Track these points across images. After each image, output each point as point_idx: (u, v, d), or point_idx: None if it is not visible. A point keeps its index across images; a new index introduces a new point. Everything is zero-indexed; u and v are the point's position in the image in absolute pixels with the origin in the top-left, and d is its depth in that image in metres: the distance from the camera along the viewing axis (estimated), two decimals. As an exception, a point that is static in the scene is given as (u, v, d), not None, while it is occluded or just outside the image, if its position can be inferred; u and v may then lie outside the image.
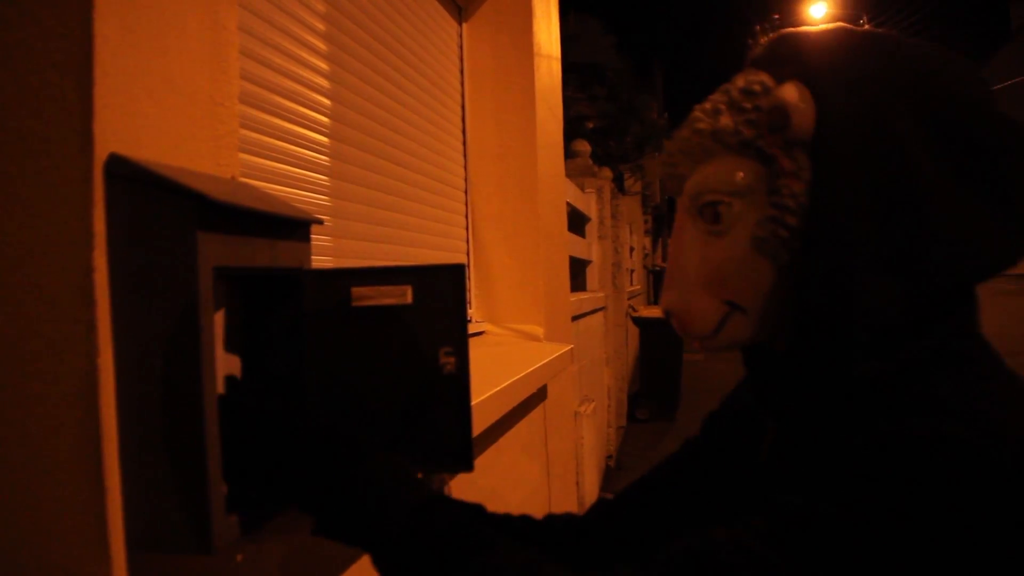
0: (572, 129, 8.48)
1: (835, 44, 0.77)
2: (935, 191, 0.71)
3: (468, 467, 0.89)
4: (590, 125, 10.33)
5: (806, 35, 0.79)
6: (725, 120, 0.78)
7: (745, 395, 0.94)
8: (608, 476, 5.98)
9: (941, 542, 0.60)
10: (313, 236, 0.94)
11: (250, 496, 0.77)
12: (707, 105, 0.81)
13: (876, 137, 0.71)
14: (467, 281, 2.72)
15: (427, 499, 0.75)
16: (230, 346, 0.85)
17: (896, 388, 0.69)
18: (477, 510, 0.88)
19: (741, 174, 0.77)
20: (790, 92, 0.75)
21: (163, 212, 0.72)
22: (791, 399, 0.78)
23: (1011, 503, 0.61)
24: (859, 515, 0.62)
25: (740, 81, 0.80)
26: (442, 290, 0.89)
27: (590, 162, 6.56)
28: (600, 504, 1.03)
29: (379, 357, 0.89)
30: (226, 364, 0.84)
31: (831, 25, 0.80)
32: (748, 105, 0.78)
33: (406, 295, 0.89)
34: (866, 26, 0.81)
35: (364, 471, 0.75)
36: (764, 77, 0.79)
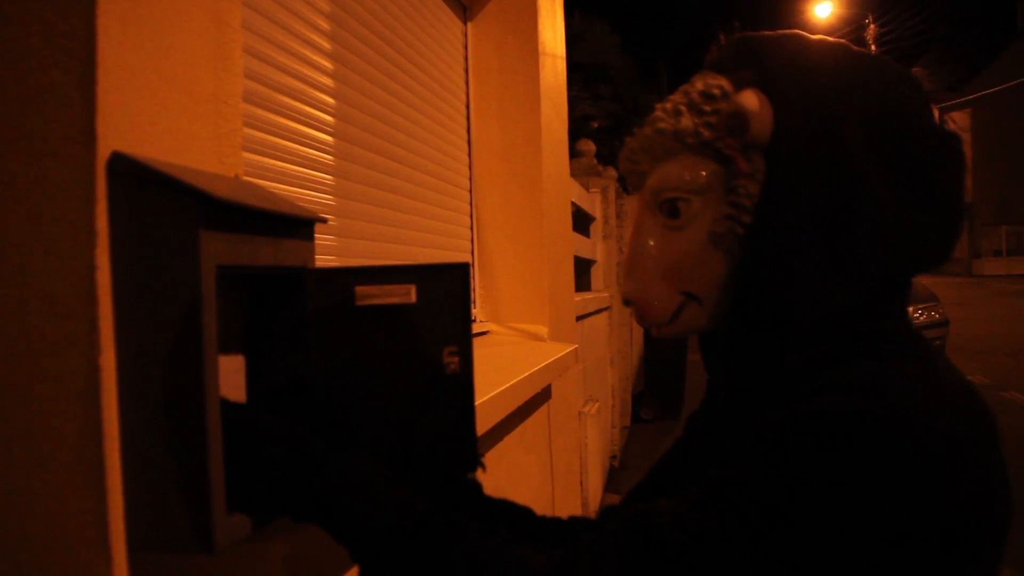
0: (577, 128, 8.47)
1: (791, 52, 0.81)
2: (875, 193, 0.76)
3: (473, 467, 0.89)
4: (595, 124, 10.33)
5: (763, 41, 0.83)
6: (686, 121, 0.82)
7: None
8: (612, 476, 5.97)
9: (837, 509, 0.66)
10: (317, 235, 0.94)
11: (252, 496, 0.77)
12: (668, 105, 0.84)
13: (826, 143, 0.76)
14: (471, 280, 2.72)
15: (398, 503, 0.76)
16: (233, 345, 0.85)
17: (816, 373, 0.75)
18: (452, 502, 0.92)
19: (701, 173, 0.81)
20: (750, 99, 0.78)
21: (166, 210, 0.71)
22: (735, 380, 0.85)
23: (901, 471, 0.66)
24: (762, 482, 0.68)
25: (700, 84, 0.83)
26: (446, 289, 0.89)
27: (595, 162, 6.55)
28: (607, 510, 1.04)
29: (383, 356, 0.89)
30: (228, 363, 0.84)
31: (787, 32, 0.84)
32: (708, 108, 0.81)
33: (410, 294, 0.88)
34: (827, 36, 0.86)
35: (323, 479, 0.75)
36: (723, 81, 0.82)
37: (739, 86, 0.81)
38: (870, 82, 0.80)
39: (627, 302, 0.86)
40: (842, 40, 0.85)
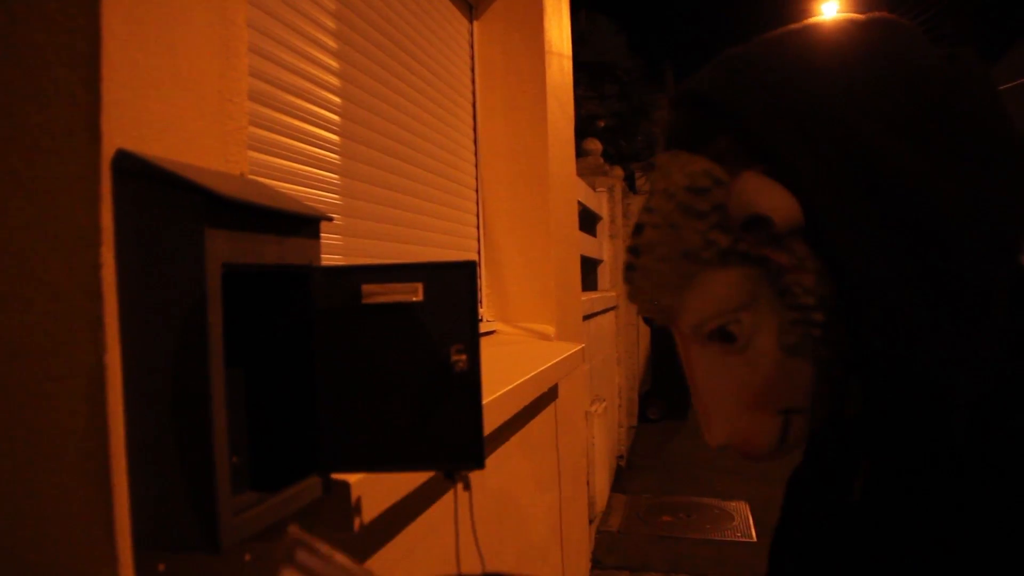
0: (583, 128, 8.47)
1: (767, 96, 0.65)
2: (942, 197, 0.62)
3: (479, 464, 0.89)
4: (601, 124, 10.33)
5: (726, 97, 0.67)
6: (688, 235, 0.67)
7: (814, 454, 0.86)
8: (619, 476, 5.96)
9: None
10: (324, 234, 0.93)
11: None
12: (656, 218, 0.69)
13: (869, 179, 0.62)
14: (478, 279, 2.72)
15: None
16: (238, 343, 0.85)
17: (1006, 418, 0.62)
18: None
19: (738, 288, 0.66)
20: (752, 189, 0.64)
21: (171, 208, 0.71)
22: (881, 443, 0.71)
23: None
24: None
25: (679, 177, 0.68)
26: (453, 287, 0.88)
27: (601, 161, 6.55)
28: None
29: (389, 354, 0.89)
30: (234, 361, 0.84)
31: (745, 61, 0.69)
32: (705, 207, 0.66)
33: (417, 292, 0.88)
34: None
35: None
36: (703, 164, 0.67)
37: (722, 162, 0.66)
38: (863, 67, 0.65)
39: (722, 448, 0.72)
40: (806, 24, 0.69)
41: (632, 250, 0.71)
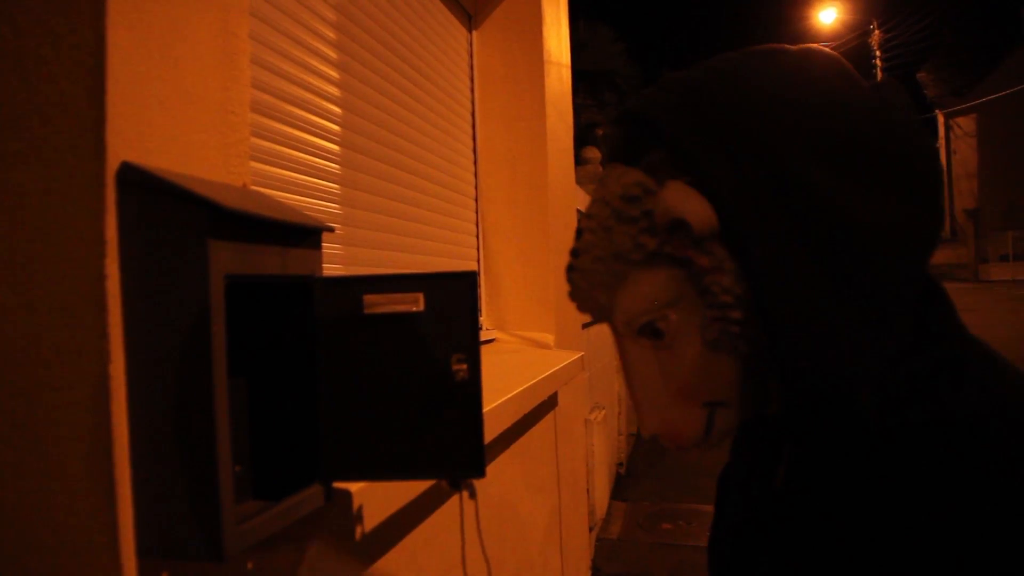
0: (582, 136, 8.48)
1: (692, 113, 0.71)
2: (854, 215, 0.67)
3: (480, 473, 0.89)
4: (600, 132, 10.34)
5: (655, 112, 0.73)
6: (620, 238, 0.73)
7: (745, 434, 0.91)
8: (619, 483, 5.96)
9: None
10: (324, 244, 0.94)
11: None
12: (592, 223, 0.76)
13: (784, 194, 0.67)
14: (478, 289, 2.72)
15: None
16: (241, 353, 0.85)
17: (909, 409, 0.68)
18: None
19: (663, 286, 0.73)
20: (675, 196, 0.69)
21: (174, 220, 0.72)
22: (798, 433, 0.77)
23: None
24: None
25: (614, 186, 0.74)
26: (453, 297, 0.89)
27: (601, 169, 6.55)
28: None
29: (391, 364, 0.89)
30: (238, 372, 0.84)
31: (672, 82, 0.75)
32: (635, 212, 0.72)
33: (418, 302, 0.89)
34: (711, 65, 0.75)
35: None
36: (636, 175, 0.73)
37: (654, 174, 0.72)
38: (789, 92, 0.70)
39: (652, 437, 0.77)
40: (743, 51, 0.75)
41: (573, 252, 0.78)
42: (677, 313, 0.73)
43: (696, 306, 0.72)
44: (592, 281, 0.76)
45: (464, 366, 0.88)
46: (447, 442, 0.89)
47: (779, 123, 0.69)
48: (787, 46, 0.75)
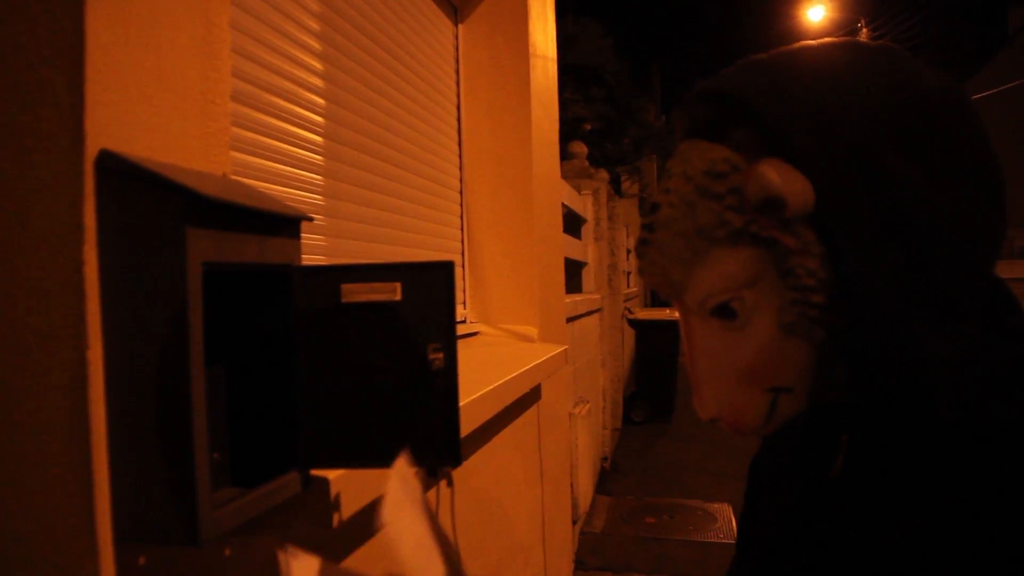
0: (569, 131, 8.49)
1: (784, 94, 0.71)
2: (933, 205, 0.68)
3: (456, 462, 0.90)
4: (587, 127, 10.34)
5: (747, 92, 0.72)
6: (704, 214, 0.72)
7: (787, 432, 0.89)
8: (603, 477, 5.98)
9: None
10: (307, 235, 0.95)
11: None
12: (673, 198, 0.74)
13: (873, 181, 0.68)
14: (460, 281, 2.73)
15: None
16: (219, 341, 0.86)
17: (987, 406, 0.68)
18: None
19: (744, 266, 0.72)
20: (771, 173, 0.68)
21: (153, 208, 0.72)
22: (864, 423, 0.76)
23: None
24: None
25: (698, 162, 0.74)
26: (431, 287, 0.90)
27: (587, 164, 6.57)
28: None
29: (368, 353, 0.90)
30: (214, 359, 0.85)
31: (763, 65, 0.75)
32: (721, 189, 0.72)
33: (395, 292, 0.90)
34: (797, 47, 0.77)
35: None
36: (723, 151, 0.73)
37: (741, 150, 0.72)
38: (874, 84, 0.71)
39: (712, 420, 0.77)
40: (824, 42, 0.76)
41: (647, 227, 0.77)
42: (753, 294, 0.72)
43: (774, 288, 0.71)
44: (669, 256, 0.75)
45: (440, 355, 0.89)
46: (424, 430, 0.90)
47: (866, 113, 0.69)
48: (866, 41, 0.76)
